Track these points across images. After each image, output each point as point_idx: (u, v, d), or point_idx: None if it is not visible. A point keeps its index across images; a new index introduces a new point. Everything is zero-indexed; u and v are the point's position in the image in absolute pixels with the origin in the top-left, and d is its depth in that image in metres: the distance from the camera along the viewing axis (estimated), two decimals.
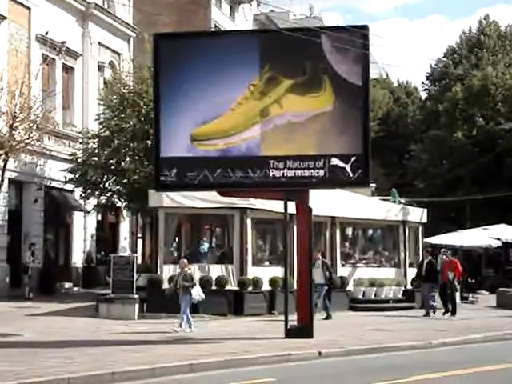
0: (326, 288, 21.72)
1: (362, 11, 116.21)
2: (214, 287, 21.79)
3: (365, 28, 17.30)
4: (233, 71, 17.03)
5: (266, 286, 22.34)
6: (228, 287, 22.00)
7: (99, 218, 33.93)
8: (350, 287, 24.91)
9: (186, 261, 18.57)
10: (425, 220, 28.34)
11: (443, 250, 26.52)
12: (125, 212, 34.14)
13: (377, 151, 38.41)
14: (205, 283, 21.62)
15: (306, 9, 59.55)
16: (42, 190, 29.86)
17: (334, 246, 25.08)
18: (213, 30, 39.60)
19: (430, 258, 24.29)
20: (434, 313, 23.38)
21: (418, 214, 28.17)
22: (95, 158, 28.37)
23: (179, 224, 24.70)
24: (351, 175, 16.61)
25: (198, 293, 17.93)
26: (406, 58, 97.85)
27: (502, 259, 35.37)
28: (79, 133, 30.78)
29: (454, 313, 23.44)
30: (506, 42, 52.49)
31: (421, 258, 25.56)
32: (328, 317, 21.51)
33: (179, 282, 17.91)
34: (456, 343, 17.10)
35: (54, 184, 30.48)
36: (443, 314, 23.39)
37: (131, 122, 27.38)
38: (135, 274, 21.08)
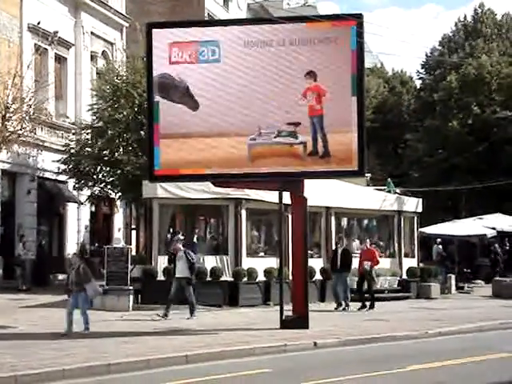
0: (191, 282, 19.03)
1: (358, 1, 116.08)
2: (208, 278, 21.76)
3: (359, 16, 17.20)
4: None
5: (261, 277, 22.33)
6: (223, 278, 21.99)
7: (93, 209, 33.80)
8: None
9: (78, 254, 17.47)
10: (420, 210, 28.32)
11: (368, 239, 24.35)
12: (119, 203, 34.04)
13: (372, 141, 38.51)
14: (200, 274, 21.60)
15: None
16: (35, 182, 29.72)
17: (328, 237, 25.01)
18: (206, 19, 39.40)
19: (345, 245, 22.75)
20: (347, 307, 21.72)
21: (414, 204, 28.15)
22: (88, 149, 28.25)
23: (173, 215, 24.63)
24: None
25: (93, 289, 16.11)
26: (401, 47, 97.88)
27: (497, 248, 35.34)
28: (72, 123, 30.66)
29: (372, 306, 21.81)
30: (501, 31, 52.40)
31: (334, 245, 23.54)
32: (192, 315, 18.83)
33: (72, 277, 16.11)
34: (452, 333, 17.11)
35: (48, 175, 30.34)
36: (359, 308, 21.66)
37: (125, 113, 27.23)
38: (129, 266, 21.03)
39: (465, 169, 44.29)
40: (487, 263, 33.65)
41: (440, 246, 33.23)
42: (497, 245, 32.94)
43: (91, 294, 16.08)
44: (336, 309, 21.61)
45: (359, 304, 21.91)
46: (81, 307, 15.87)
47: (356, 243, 26.53)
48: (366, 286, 22.23)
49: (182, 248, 19.10)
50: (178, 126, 17.08)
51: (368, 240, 24.06)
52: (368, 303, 21.89)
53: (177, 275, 18.85)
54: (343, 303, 21.74)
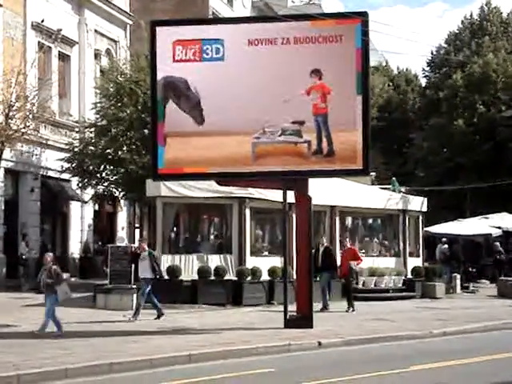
0: (150, 283, 18.33)
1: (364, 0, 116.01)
2: (212, 277, 21.69)
3: (364, 15, 17.11)
4: None
5: (265, 276, 22.26)
6: (227, 277, 21.92)
7: (96, 207, 33.77)
8: None
9: (51, 254, 16.62)
10: (425, 209, 28.23)
11: (347, 238, 23.76)
12: (122, 202, 34.00)
13: (377, 139, 38.36)
14: (203, 273, 21.55)
15: None
16: (38, 180, 29.69)
17: (333, 236, 24.93)
18: (210, 17, 39.35)
19: (326, 244, 21.85)
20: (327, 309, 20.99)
21: (418, 203, 28.06)
22: (92, 148, 28.22)
23: (177, 214, 24.56)
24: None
25: (63, 291, 15.62)
26: (406, 45, 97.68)
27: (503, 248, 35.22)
28: (76, 122, 30.63)
29: (351, 306, 21.05)
30: (508, 29, 52.21)
31: (316, 244, 21.84)
32: (135, 317, 18.09)
33: (43, 278, 15.73)
34: (457, 332, 17.06)
35: (51, 173, 30.31)
36: (347, 310, 20.85)
37: (128, 111, 27.20)
38: (133, 265, 20.91)
39: (470, 168, 44.15)
40: (492, 263, 33.48)
41: (446, 246, 33.10)
42: (498, 243, 32.58)
43: (61, 296, 15.60)
44: (322, 310, 20.56)
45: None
46: (47, 309, 15.47)
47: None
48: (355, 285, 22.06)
49: (146, 248, 18.66)
50: (182, 124, 17.01)
51: (348, 239, 23.55)
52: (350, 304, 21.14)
53: (139, 275, 18.49)
54: (322, 302, 20.90)
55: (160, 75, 17.05)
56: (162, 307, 18.40)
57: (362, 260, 22.51)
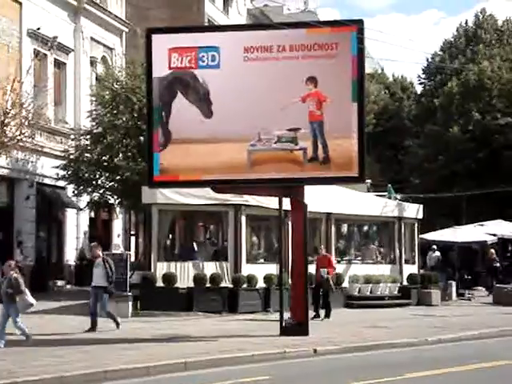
0: (105, 291, 17.50)
1: (359, 7, 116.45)
2: (208, 284, 21.69)
3: (359, 22, 17.17)
4: None
5: (260, 283, 22.26)
6: (222, 284, 21.91)
7: (92, 215, 33.73)
8: (345, 284, 24.77)
9: (12, 262, 16.11)
10: (421, 216, 28.26)
11: (322, 245, 22.94)
12: (118, 209, 33.97)
13: (372, 147, 38.47)
14: (199, 280, 21.54)
15: (301, 3, 59.31)
16: (33, 187, 29.65)
17: (329, 243, 24.94)
18: (206, 24, 39.42)
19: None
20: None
21: (414, 210, 28.10)
22: (88, 155, 28.19)
23: (173, 221, 24.57)
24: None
25: (24, 301, 14.96)
26: (401, 52, 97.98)
27: (499, 255, 35.22)
28: (71, 129, 30.61)
29: (328, 315, 20.72)
30: (502, 36, 52.39)
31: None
32: (118, 325, 17.50)
33: (2, 288, 15.12)
34: (452, 340, 17.06)
35: (46, 181, 30.27)
36: (312, 318, 19.51)
37: (124, 119, 27.20)
38: (129, 272, 20.95)
39: (465, 175, 44.25)
40: (486, 271, 33.40)
41: (437, 253, 33.16)
42: (493, 250, 32.34)
43: (22, 306, 15.06)
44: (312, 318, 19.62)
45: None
46: (12, 319, 15.01)
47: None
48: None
49: (100, 254, 17.78)
50: (178, 131, 17.01)
51: (322, 246, 22.86)
52: (323, 312, 20.81)
53: (93, 284, 17.55)
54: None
55: (167, 71, 16.94)
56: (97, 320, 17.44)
57: (334, 268, 21.80)
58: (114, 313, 18.00)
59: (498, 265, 31.69)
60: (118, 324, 17.51)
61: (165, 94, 17.11)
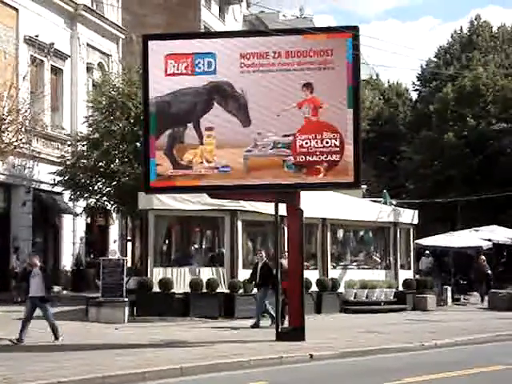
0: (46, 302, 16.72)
1: (355, 13, 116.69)
2: (204, 290, 21.72)
3: (355, 29, 17.24)
4: None
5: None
6: (219, 290, 21.94)
7: (88, 220, 33.80)
8: (341, 289, 24.82)
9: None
10: (416, 221, 28.35)
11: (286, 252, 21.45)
12: (114, 214, 34.02)
13: (368, 152, 38.55)
14: (195, 286, 21.58)
15: (296, 10, 59.57)
16: (30, 193, 29.70)
17: (324, 248, 25.02)
18: (202, 31, 39.52)
19: (265, 259, 20.44)
20: (257, 324, 19.83)
21: (410, 216, 28.18)
22: (84, 161, 28.27)
23: (169, 226, 24.61)
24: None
25: None
26: (397, 59, 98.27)
27: (494, 261, 35.30)
28: (68, 135, 30.71)
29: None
30: (497, 43, 52.58)
31: (256, 260, 21.18)
32: (56, 338, 16.54)
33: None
34: (448, 345, 17.10)
35: (43, 186, 30.33)
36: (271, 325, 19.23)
37: (120, 125, 27.31)
38: (125, 277, 20.98)
39: (460, 180, 44.38)
40: (477, 278, 33.26)
41: (430, 258, 33.22)
42: (483, 257, 31.74)
43: None
44: (253, 327, 19.59)
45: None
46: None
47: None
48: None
49: (38, 263, 16.88)
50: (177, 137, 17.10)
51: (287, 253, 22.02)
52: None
53: (30, 294, 16.57)
54: (256, 319, 19.88)
55: (226, 74, 16.93)
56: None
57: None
58: (112, 319, 17.96)
59: (489, 272, 31.25)
60: (56, 338, 16.48)
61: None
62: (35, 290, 16.43)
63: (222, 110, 16.92)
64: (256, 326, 19.65)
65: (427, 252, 33.54)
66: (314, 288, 23.69)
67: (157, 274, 21.87)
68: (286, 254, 20.12)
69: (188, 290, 21.67)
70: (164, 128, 17.13)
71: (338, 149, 16.69)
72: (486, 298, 29.03)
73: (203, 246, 25.87)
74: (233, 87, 16.92)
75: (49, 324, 16.62)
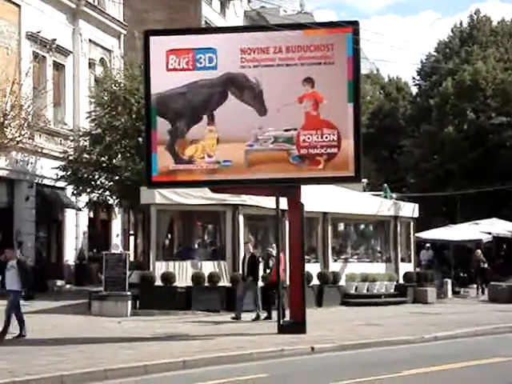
0: (19, 296, 16.50)
1: (355, 9, 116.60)
2: (206, 284, 21.84)
3: (355, 24, 17.33)
4: None
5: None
6: (220, 284, 22.03)
7: (91, 215, 33.89)
8: (342, 282, 24.95)
9: None
10: (416, 215, 28.44)
11: (274, 244, 20.71)
12: (117, 209, 34.13)
13: (368, 147, 38.63)
14: (197, 279, 21.70)
15: (297, 5, 59.57)
16: (33, 188, 29.78)
17: (325, 242, 25.13)
18: (203, 26, 39.58)
19: (252, 251, 20.59)
20: (258, 318, 19.84)
21: (410, 209, 28.28)
22: (87, 156, 28.37)
23: (171, 221, 24.72)
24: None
25: None
26: (397, 53, 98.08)
27: (494, 253, 35.45)
28: (70, 130, 30.79)
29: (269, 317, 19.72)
30: (497, 37, 52.55)
31: (242, 253, 21.30)
32: (20, 335, 16.21)
33: None
34: (448, 337, 17.18)
35: (46, 181, 30.42)
36: (266, 318, 19.72)
37: (122, 120, 27.38)
38: (127, 271, 21.11)
39: (460, 174, 44.46)
40: (474, 272, 33.35)
41: (430, 251, 33.32)
42: (479, 251, 31.65)
43: None
44: (234, 318, 19.59)
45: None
46: None
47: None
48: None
49: (17, 256, 16.95)
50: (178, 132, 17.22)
51: (274, 245, 20.51)
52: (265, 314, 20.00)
53: (6, 287, 16.39)
54: (255, 313, 19.86)
55: (226, 69, 17.03)
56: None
57: (285, 270, 19.47)
58: (115, 312, 18.07)
59: (485, 265, 31.17)
60: (22, 335, 16.19)
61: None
62: (9, 283, 16.29)
63: (236, 101, 16.98)
64: (257, 318, 19.82)
65: (427, 245, 33.67)
66: (315, 281, 23.81)
67: (159, 267, 21.97)
68: (274, 245, 20.23)
69: (190, 283, 21.78)
70: (165, 123, 17.26)
71: (336, 143, 16.81)
72: (483, 290, 29.22)
73: (205, 240, 25.98)
74: (247, 77, 16.97)
75: (5, 317, 16.19)
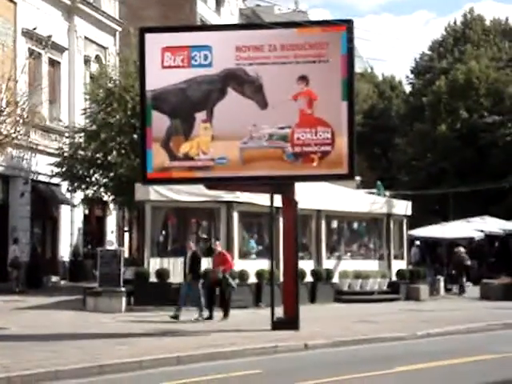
0: None
1: (350, 8, 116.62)
2: (200, 280, 21.87)
3: (349, 22, 17.41)
4: None
5: (252, 279, 22.47)
6: None
7: (86, 211, 33.98)
8: (335, 279, 25.06)
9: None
10: (409, 213, 28.55)
11: (217, 241, 21.44)
12: (112, 205, 34.20)
13: (362, 145, 38.77)
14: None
15: (292, 4, 59.60)
16: (28, 184, 29.86)
17: (319, 239, 25.24)
18: (198, 24, 39.64)
19: (193, 248, 20.07)
20: (201, 316, 19.31)
21: (403, 207, 28.40)
22: (82, 152, 28.45)
23: (166, 217, 24.80)
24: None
25: None
26: (391, 52, 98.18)
27: (486, 251, 35.59)
28: (66, 127, 30.85)
29: (226, 315, 19.36)
30: (489, 36, 52.72)
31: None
32: None
33: None
34: (440, 334, 17.25)
35: (41, 178, 30.50)
36: (206, 318, 19.18)
37: (118, 116, 27.47)
38: (122, 268, 21.16)
39: (453, 172, 44.64)
40: (475, 265, 33.57)
41: (414, 249, 33.40)
42: (462, 248, 31.10)
43: None
44: (172, 317, 18.82)
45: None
46: None
47: None
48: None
49: None
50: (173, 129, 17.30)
51: (218, 242, 21.21)
52: (217, 313, 19.50)
53: None
54: (198, 312, 19.30)
55: (222, 67, 17.09)
56: None
57: (231, 266, 20.19)
58: (109, 308, 18.08)
59: (468, 263, 30.63)
60: None
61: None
62: None
63: (233, 98, 17.02)
64: (198, 318, 19.07)
65: (417, 242, 33.79)
66: (309, 278, 23.92)
67: (154, 264, 22.05)
68: (218, 242, 20.72)
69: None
70: (161, 120, 17.33)
71: (330, 141, 16.91)
72: (464, 289, 29.10)
73: (200, 237, 26.04)
74: (246, 72, 17.04)
75: None
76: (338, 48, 17.05)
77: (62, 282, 30.59)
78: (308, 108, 17.06)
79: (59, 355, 13.01)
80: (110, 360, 12.60)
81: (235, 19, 46.81)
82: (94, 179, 28.77)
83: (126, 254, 27.13)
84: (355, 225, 28.86)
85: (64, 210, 32.37)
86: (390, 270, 26.88)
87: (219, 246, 20.53)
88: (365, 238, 28.75)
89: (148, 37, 17.68)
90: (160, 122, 17.28)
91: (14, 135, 25.27)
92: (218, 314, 19.49)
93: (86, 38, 34.07)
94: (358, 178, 30.20)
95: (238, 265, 22.52)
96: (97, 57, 35.16)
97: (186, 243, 20.76)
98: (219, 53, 17.18)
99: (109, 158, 27.77)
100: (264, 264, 22.18)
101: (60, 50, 32.07)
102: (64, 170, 28.81)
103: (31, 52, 29.23)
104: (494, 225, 35.45)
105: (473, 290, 29.73)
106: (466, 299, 27.90)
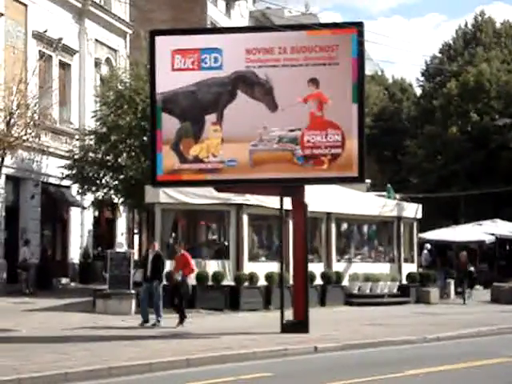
0: None
1: (361, 10, 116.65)
2: (210, 282, 21.93)
3: (360, 25, 17.39)
4: None
5: (262, 282, 22.48)
6: (224, 282, 22.13)
7: (96, 213, 34.02)
8: (345, 282, 25.04)
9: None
10: (419, 215, 28.52)
11: (182, 243, 21.10)
12: (121, 208, 34.24)
13: (372, 147, 38.72)
14: (201, 278, 21.78)
15: (302, 7, 59.67)
16: (39, 186, 29.92)
17: (329, 242, 25.22)
18: (209, 26, 39.69)
19: (157, 250, 18.95)
20: (158, 322, 18.28)
21: (413, 210, 28.35)
22: (92, 155, 28.51)
23: (175, 220, 24.81)
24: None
25: None
26: (401, 55, 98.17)
27: (497, 254, 35.50)
28: (76, 129, 30.93)
29: (182, 321, 18.32)
30: (500, 39, 52.61)
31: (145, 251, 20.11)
32: None
33: None
34: (450, 338, 17.22)
35: (51, 180, 30.57)
36: (179, 323, 18.29)
37: (128, 119, 27.50)
38: (132, 270, 21.16)
39: (463, 175, 44.54)
40: (486, 269, 33.52)
41: (425, 252, 33.33)
42: (465, 253, 30.62)
43: None
44: (142, 325, 18.11)
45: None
46: None
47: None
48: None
49: None
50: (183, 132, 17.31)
51: (182, 243, 20.90)
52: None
53: None
54: (155, 318, 18.30)
55: (232, 69, 17.10)
56: None
57: (193, 270, 19.29)
58: (119, 311, 18.05)
59: (472, 269, 30.42)
60: None
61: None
62: None
63: (243, 100, 17.01)
64: (154, 324, 18.18)
65: (427, 245, 33.72)
66: (319, 281, 23.92)
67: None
68: (182, 244, 20.23)
69: (194, 282, 21.75)
70: (171, 122, 17.35)
71: (340, 144, 16.89)
72: (470, 295, 28.75)
73: (209, 239, 26.07)
74: (256, 74, 17.03)
75: None
76: (348, 50, 17.03)
77: (72, 284, 30.65)
78: (318, 110, 17.04)
79: (69, 357, 13.02)
80: (119, 362, 12.59)
81: (245, 22, 46.87)
82: (104, 181, 28.81)
83: (136, 257, 27.09)
84: (365, 228, 28.83)
85: (74, 212, 32.44)
86: (400, 273, 26.85)
87: (181, 247, 19.51)
88: (375, 241, 28.70)
89: (158, 39, 17.71)
90: (170, 125, 17.30)
91: (24, 137, 25.38)
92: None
93: (96, 40, 34.15)
94: (368, 181, 30.13)
95: (248, 267, 22.56)
96: (107, 59, 35.23)
97: (151, 244, 20.04)
98: (229, 55, 17.19)
99: (119, 160, 27.82)
100: (274, 267, 22.17)
101: (70, 52, 32.15)
102: (74, 172, 28.88)
103: (42, 54, 29.33)
104: (505, 228, 35.34)
105: (483, 293, 29.64)
106: (477, 303, 27.78)
